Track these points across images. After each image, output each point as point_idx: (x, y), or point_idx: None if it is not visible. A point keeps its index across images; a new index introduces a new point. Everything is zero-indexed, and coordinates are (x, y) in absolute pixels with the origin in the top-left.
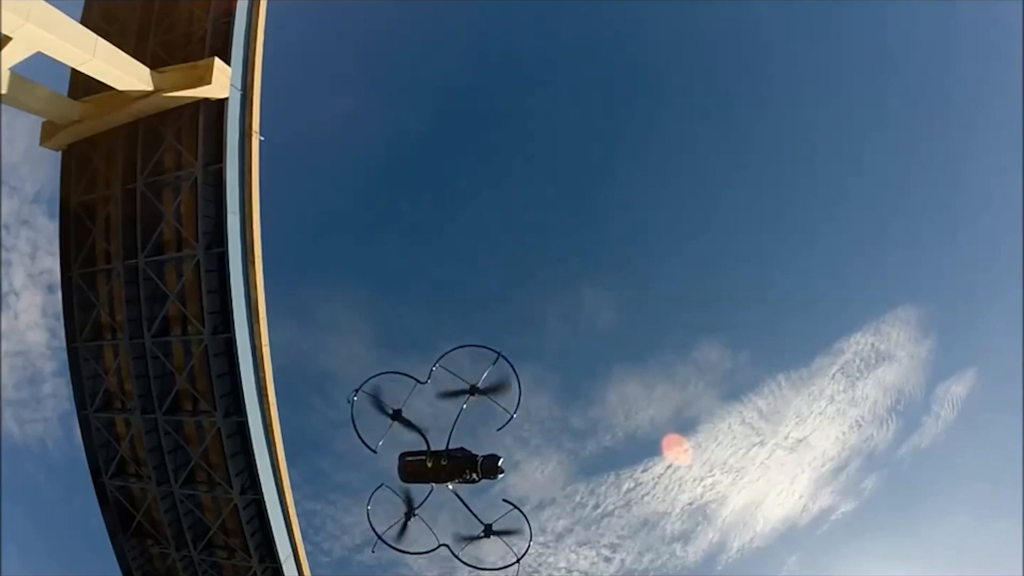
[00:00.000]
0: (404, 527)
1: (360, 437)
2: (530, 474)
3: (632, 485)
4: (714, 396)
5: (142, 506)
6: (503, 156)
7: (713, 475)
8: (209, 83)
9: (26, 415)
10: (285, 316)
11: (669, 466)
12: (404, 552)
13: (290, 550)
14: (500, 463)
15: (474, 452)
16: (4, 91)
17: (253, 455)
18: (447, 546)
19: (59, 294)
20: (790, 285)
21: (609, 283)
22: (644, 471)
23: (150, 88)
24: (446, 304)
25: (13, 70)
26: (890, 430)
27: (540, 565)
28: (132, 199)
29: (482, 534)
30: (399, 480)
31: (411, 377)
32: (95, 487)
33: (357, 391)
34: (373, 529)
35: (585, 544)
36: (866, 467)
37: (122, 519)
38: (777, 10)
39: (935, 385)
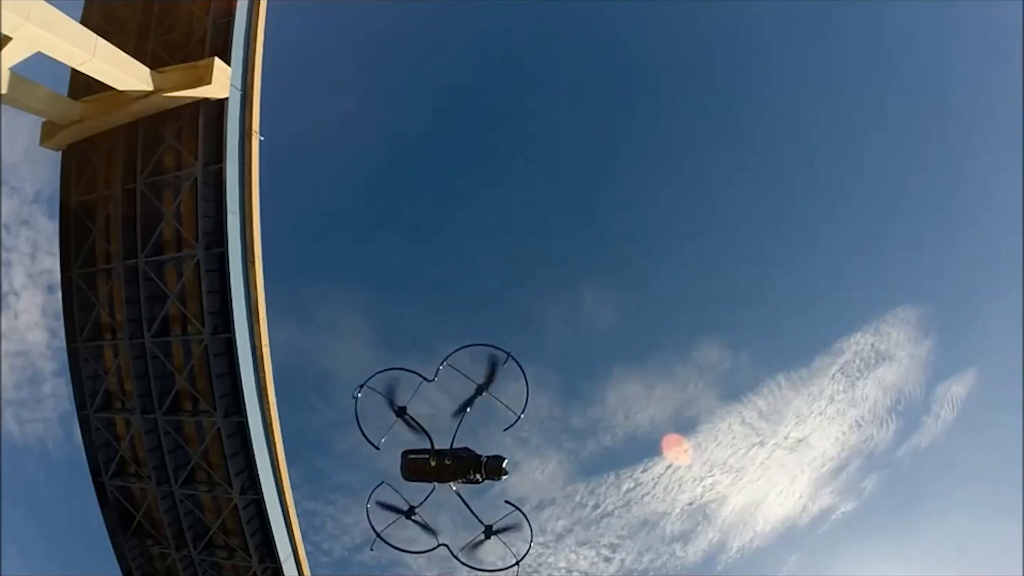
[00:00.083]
0: (423, 525)
1: (363, 434)
2: (530, 474)
3: (632, 485)
4: (714, 396)
5: (142, 506)
6: (503, 156)
7: (713, 475)
8: (209, 83)
9: (26, 415)
10: (285, 316)
11: (669, 466)
12: (402, 551)
13: (290, 550)
14: (505, 464)
15: (478, 452)
16: (4, 91)
17: (253, 455)
18: (446, 546)
19: (59, 294)
20: (790, 285)
21: (609, 283)
22: (644, 471)
23: (150, 88)
24: (446, 304)
25: (13, 70)
26: (890, 430)
27: (540, 565)
28: (132, 199)
29: (482, 535)
30: (401, 478)
31: (417, 374)
32: (95, 487)
33: (362, 387)
34: (372, 526)
35: (585, 544)
36: (866, 467)
37: (122, 519)
38: (777, 10)
39: (935, 385)
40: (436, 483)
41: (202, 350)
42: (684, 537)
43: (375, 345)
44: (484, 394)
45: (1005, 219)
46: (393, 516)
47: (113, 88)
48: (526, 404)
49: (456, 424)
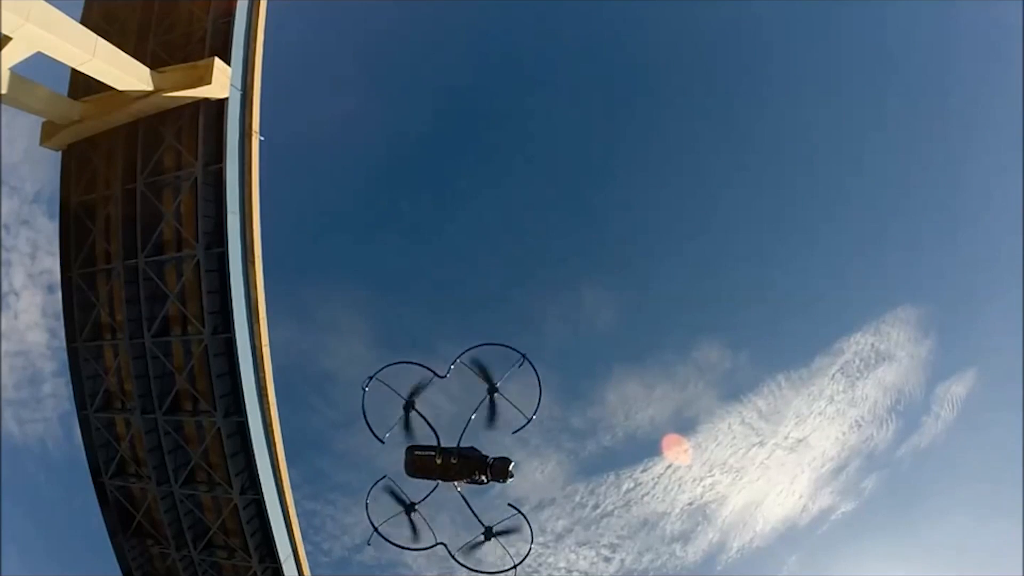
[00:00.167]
0: (412, 525)
1: (369, 426)
2: (530, 474)
3: (632, 485)
4: (714, 396)
5: (142, 506)
6: (503, 156)
7: (713, 475)
8: (209, 83)
9: (26, 415)
10: (285, 316)
11: (669, 466)
12: (400, 547)
13: (290, 550)
14: (512, 467)
15: (484, 453)
16: (4, 91)
17: (253, 455)
18: (444, 545)
19: (59, 294)
20: (790, 285)
21: (609, 283)
22: (644, 471)
23: (150, 88)
24: (446, 304)
25: (13, 70)
26: (890, 430)
27: (540, 565)
28: (132, 199)
29: (482, 536)
30: (405, 474)
31: (430, 370)
32: (95, 487)
33: (372, 378)
34: (371, 521)
35: (585, 544)
36: (866, 467)
37: (122, 519)
38: (777, 10)
39: (935, 385)
40: (440, 481)
41: (202, 350)
42: (684, 537)
43: (375, 345)
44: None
45: (1005, 219)
46: (393, 510)
47: (113, 88)
48: (538, 407)
49: (465, 423)
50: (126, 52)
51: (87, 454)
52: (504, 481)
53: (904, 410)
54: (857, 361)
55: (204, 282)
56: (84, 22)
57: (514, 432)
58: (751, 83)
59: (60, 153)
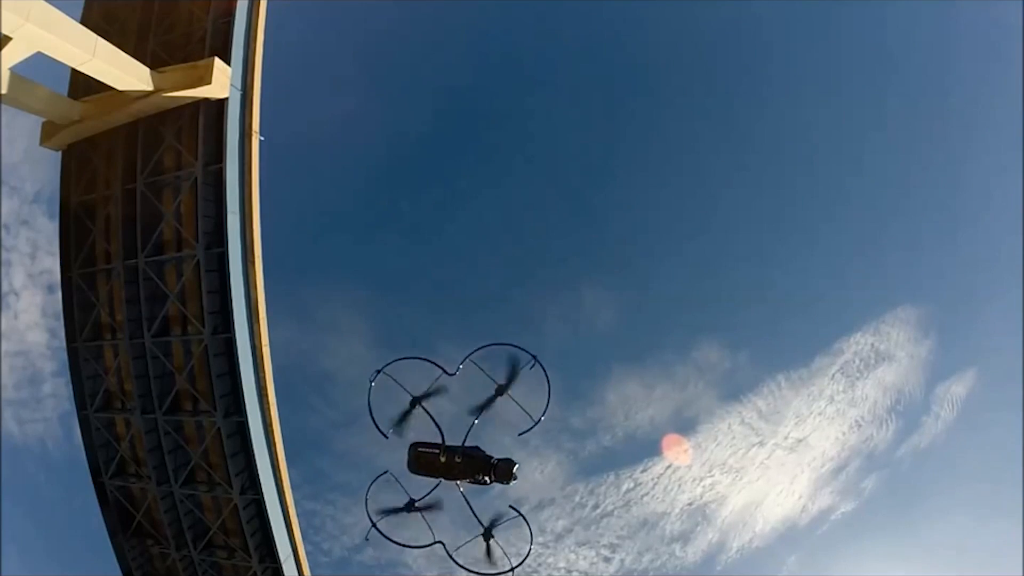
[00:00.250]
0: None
1: (374, 421)
2: (529, 474)
3: (632, 485)
4: (714, 396)
5: (142, 506)
6: (503, 156)
7: (713, 475)
8: (209, 83)
9: (26, 415)
10: (285, 316)
11: (669, 466)
12: (397, 544)
13: (290, 550)
14: (515, 469)
15: (488, 453)
16: (4, 91)
17: (253, 455)
18: (442, 544)
19: (59, 294)
20: (790, 285)
21: (609, 283)
22: (644, 471)
23: (150, 88)
24: (446, 304)
25: (13, 70)
26: (890, 430)
27: (540, 565)
28: (132, 199)
29: (481, 537)
30: (408, 470)
31: (439, 367)
32: (95, 487)
33: (379, 372)
34: (369, 517)
35: (584, 544)
36: (866, 467)
37: (122, 519)
38: (777, 10)
39: (935, 385)
40: (443, 480)
41: (202, 350)
42: (684, 537)
43: (375, 345)
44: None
45: (1005, 219)
46: (391, 502)
47: (113, 88)
48: (546, 409)
49: (471, 422)
50: (126, 52)
51: (87, 454)
52: (507, 483)
53: (904, 410)
54: (857, 361)
55: (204, 282)
56: (84, 22)
57: (520, 434)
58: (751, 83)
59: (60, 153)
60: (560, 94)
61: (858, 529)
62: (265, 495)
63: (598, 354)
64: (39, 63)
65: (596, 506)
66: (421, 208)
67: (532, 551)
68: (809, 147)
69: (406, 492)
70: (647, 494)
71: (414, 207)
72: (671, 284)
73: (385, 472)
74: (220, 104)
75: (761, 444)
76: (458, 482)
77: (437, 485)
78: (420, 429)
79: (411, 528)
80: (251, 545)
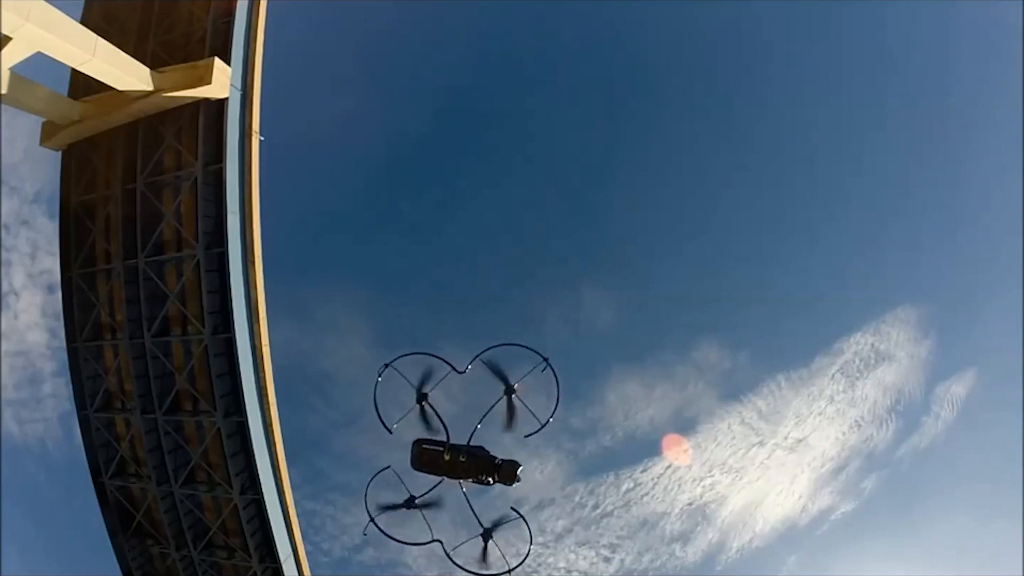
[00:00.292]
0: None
1: (379, 415)
2: (529, 474)
3: (631, 485)
4: (713, 396)
5: (142, 506)
6: (503, 156)
7: (712, 475)
8: (209, 83)
9: (26, 415)
10: (285, 316)
11: (668, 466)
12: (394, 539)
13: (290, 550)
14: (519, 471)
15: (492, 454)
16: (4, 91)
17: (253, 455)
18: (440, 542)
19: (59, 294)
20: (790, 285)
21: (609, 283)
22: (643, 471)
23: (150, 88)
24: (446, 304)
25: (13, 70)
26: (890, 430)
27: (540, 565)
28: (132, 199)
29: (480, 537)
30: (410, 467)
31: (448, 364)
32: (95, 487)
33: (387, 366)
34: (368, 512)
35: (584, 544)
36: (866, 467)
37: (122, 519)
38: (777, 10)
39: (935, 385)
40: (445, 478)
41: (202, 350)
42: (684, 537)
43: (375, 345)
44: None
45: (1005, 219)
46: (391, 499)
47: (113, 88)
48: (555, 412)
49: (477, 421)
50: (126, 52)
51: (87, 454)
52: (511, 484)
53: (904, 410)
54: (857, 361)
55: (204, 282)
56: (84, 22)
57: (527, 436)
58: (751, 83)
59: (60, 153)
60: (560, 94)
61: (858, 529)
62: (265, 495)
63: (598, 354)
64: (39, 63)
65: (596, 506)
66: (421, 208)
67: (532, 552)
68: (809, 147)
69: (407, 489)
70: (647, 494)
71: (414, 207)
72: (671, 284)
73: (387, 467)
74: (220, 104)
75: (761, 444)
76: (461, 481)
77: (439, 483)
78: (419, 427)
79: (412, 526)
80: (251, 545)
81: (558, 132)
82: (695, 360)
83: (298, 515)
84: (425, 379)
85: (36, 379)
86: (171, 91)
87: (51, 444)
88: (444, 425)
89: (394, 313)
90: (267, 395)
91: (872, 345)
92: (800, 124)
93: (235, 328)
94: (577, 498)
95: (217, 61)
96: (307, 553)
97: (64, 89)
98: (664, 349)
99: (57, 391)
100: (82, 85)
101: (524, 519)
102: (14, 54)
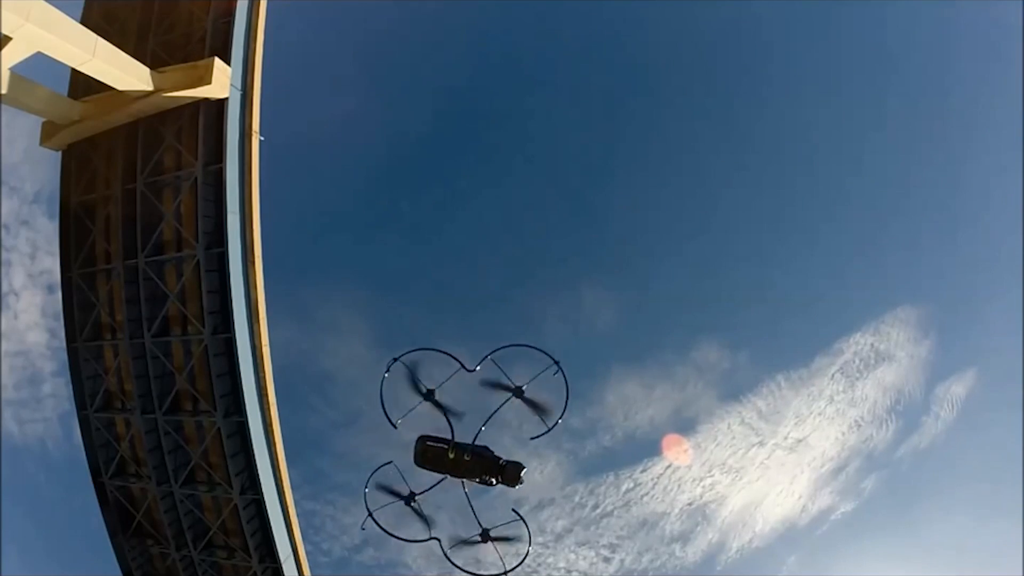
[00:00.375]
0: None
1: (384, 410)
2: (529, 474)
3: (631, 485)
4: (713, 396)
5: (142, 506)
6: (503, 156)
7: (712, 475)
8: (209, 83)
9: (26, 415)
10: (285, 316)
11: (668, 466)
12: (394, 536)
13: (290, 550)
14: (523, 473)
15: (497, 454)
16: (4, 91)
17: (253, 455)
18: (438, 540)
19: (59, 294)
20: (790, 285)
21: (609, 283)
22: (643, 471)
23: (150, 88)
24: (446, 304)
25: (13, 70)
26: (890, 430)
27: (539, 565)
28: (132, 199)
29: (478, 537)
30: (414, 464)
31: (458, 362)
32: (95, 487)
33: (396, 360)
34: (366, 506)
35: (584, 544)
36: (866, 467)
37: (122, 519)
38: (777, 10)
39: (935, 385)
40: (449, 476)
41: (202, 350)
42: (683, 537)
43: (375, 345)
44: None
45: (1005, 219)
46: (391, 496)
47: (113, 88)
48: (563, 415)
49: (483, 421)
50: (126, 52)
51: (87, 454)
52: (513, 486)
53: (904, 410)
54: (857, 361)
55: (204, 282)
56: (84, 22)
57: (532, 439)
58: (751, 83)
59: (60, 153)
60: (560, 94)
61: (858, 529)
62: (265, 495)
63: (598, 354)
64: (39, 63)
65: (596, 506)
66: (421, 208)
67: (532, 552)
68: (809, 147)
69: (408, 485)
70: (647, 494)
71: (414, 207)
72: (671, 284)
73: (389, 463)
74: (220, 104)
75: (761, 444)
76: (463, 480)
77: (441, 481)
78: (423, 423)
79: (412, 524)
80: (251, 545)
81: (558, 132)
82: (695, 360)
83: (298, 515)
84: (415, 380)
85: (36, 379)
86: (171, 91)
87: (51, 444)
88: (450, 423)
89: (394, 313)
90: (267, 395)
91: (872, 345)
92: (800, 124)
93: (235, 328)
94: (577, 498)
95: (217, 61)
96: (307, 553)
97: (64, 89)
98: (664, 349)
99: (57, 391)
100: (82, 85)
101: (524, 522)
102: (14, 54)
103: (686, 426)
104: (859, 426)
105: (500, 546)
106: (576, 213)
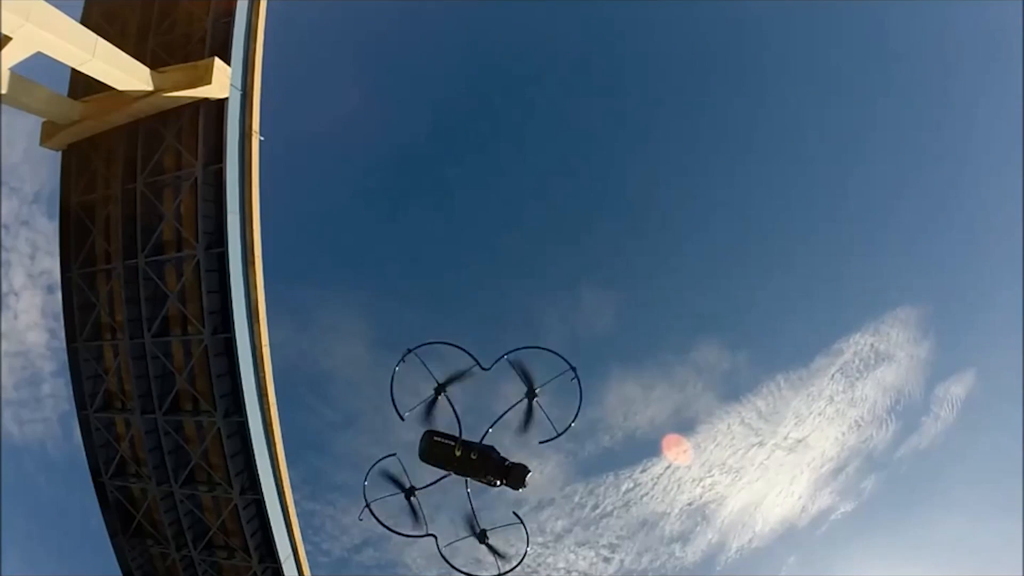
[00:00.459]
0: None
1: (393, 401)
2: (530, 475)
3: (631, 485)
4: (713, 396)
5: (142, 506)
6: (502, 156)
7: (712, 476)
8: (209, 83)
9: (26, 415)
10: (285, 316)
11: (668, 467)
12: (390, 529)
13: (290, 550)
14: (527, 476)
15: (503, 455)
16: (4, 91)
17: (253, 455)
18: (434, 537)
19: (59, 294)
20: (790, 285)
21: (609, 283)
22: (643, 471)
23: (150, 88)
24: (446, 304)
25: (13, 70)
26: (889, 431)
27: (539, 565)
28: (132, 199)
29: (475, 536)
30: (419, 459)
31: (474, 359)
32: (95, 487)
33: (411, 351)
34: (365, 498)
35: (584, 544)
36: (865, 467)
37: (122, 519)
38: (777, 10)
39: (934, 385)
40: (453, 474)
41: (202, 350)
42: (683, 537)
43: (374, 346)
44: (528, 400)
45: (1005, 219)
46: (393, 485)
47: (113, 88)
48: (574, 421)
49: (493, 421)
50: (126, 52)
51: (87, 454)
52: (517, 489)
53: (903, 410)
54: (856, 361)
55: (204, 282)
56: (84, 22)
57: (541, 442)
58: (751, 83)
59: (60, 153)
60: (560, 94)
61: (858, 529)
62: (265, 495)
63: (597, 354)
64: (39, 63)
65: (595, 506)
66: (421, 208)
67: (532, 552)
68: (809, 147)
69: (409, 479)
70: (647, 494)
71: (414, 207)
72: (671, 284)
73: (392, 454)
74: (220, 104)
75: (760, 444)
76: (467, 479)
77: (444, 477)
78: (437, 416)
79: (413, 522)
80: (251, 545)
81: (558, 132)
82: (694, 360)
83: (298, 515)
84: (452, 378)
85: (36, 379)
86: (171, 91)
87: (51, 444)
88: (458, 420)
89: (394, 314)
90: (267, 395)
91: (872, 345)
92: (800, 124)
93: (235, 328)
94: (577, 498)
95: (217, 61)
96: (307, 553)
97: (64, 89)
98: (663, 349)
99: (57, 391)
100: (82, 85)
101: (523, 524)
102: (14, 54)
103: (686, 426)
104: (859, 426)
105: (493, 552)
106: (576, 213)
